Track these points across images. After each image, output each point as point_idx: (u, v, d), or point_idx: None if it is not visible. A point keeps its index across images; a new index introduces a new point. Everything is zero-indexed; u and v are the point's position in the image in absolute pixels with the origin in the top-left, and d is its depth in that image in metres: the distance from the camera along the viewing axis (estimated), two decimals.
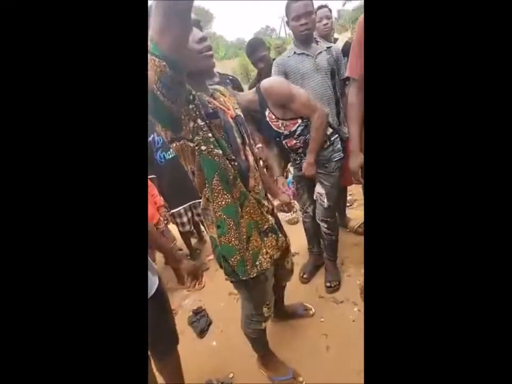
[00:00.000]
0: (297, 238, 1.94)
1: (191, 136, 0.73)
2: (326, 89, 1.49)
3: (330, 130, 1.39)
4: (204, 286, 1.95)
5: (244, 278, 0.89)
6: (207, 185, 0.80)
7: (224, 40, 20.98)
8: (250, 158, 0.86)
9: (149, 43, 0.56)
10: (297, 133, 1.35)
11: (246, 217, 0.85)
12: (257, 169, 0.90)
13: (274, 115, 1.29)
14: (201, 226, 2.35)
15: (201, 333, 1.59)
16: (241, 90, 2.24)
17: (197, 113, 0.72)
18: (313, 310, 1.50)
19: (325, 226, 1.57)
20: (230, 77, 2.17)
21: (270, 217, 0.94)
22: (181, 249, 2.29)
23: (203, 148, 0.75)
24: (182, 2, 0.53)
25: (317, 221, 1.58)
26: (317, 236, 1.72)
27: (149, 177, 1.75)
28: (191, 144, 0.74)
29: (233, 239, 0.86)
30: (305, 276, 1.77)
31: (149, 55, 0.57)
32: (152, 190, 1.69)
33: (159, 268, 1.58)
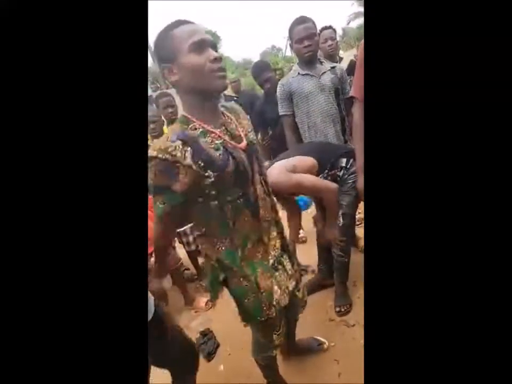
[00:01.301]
0: (305, 258, 1.90)
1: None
2: (330, 108, 1.50)
3: (344, 160, 1.36)
4: (211, 307, 1.91)
5: (262, 319, 0.87)
6: (206, 232, 0.81)
7: (231, 61, 21.57)
8: (258, 187, 0.83)
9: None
10: None
11: (248, 259, 0.82)
12: (268, 195, 0.88)
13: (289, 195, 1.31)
14: None
15: (209, 356, 1.54)
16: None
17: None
18: (327, 343, 1.41)
19: (337, 247, 1.52)
20: (235, 98, 2.21)
21: (276, 243, 0.91)
22: (188, 269, 2.27)
23: (200, 200, 0.75)
24: None
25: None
26: (328, 254, 1.67)
27: None
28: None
29: (241, 280, 0.83)
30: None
31: None
32: None
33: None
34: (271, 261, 0.88)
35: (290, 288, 0.92)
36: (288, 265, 0.94)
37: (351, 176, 1.37)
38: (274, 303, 0.86)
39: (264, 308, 0.85)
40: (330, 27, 2.10)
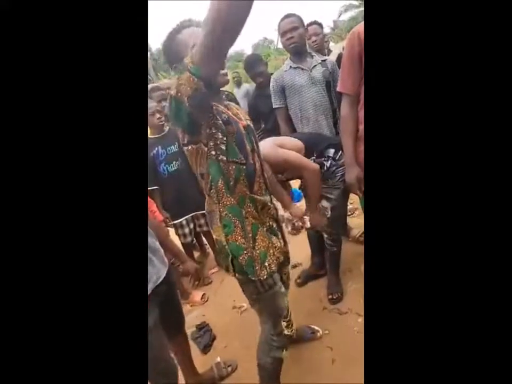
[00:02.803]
0: (300, 249, 1.93)
1: (206, 141, 0.82)
2: (322, 101, 1.52)
3: (332, 151, 1.39)
4: (207, 300, 1.94)
5: (254, 279, 0.91)
6: (213, 187, 0.87)
7: None
8: (257, 164, 0.93)
9: (190, 64, 0.68)
10: None
11: (250, 217, 0.90)
12: (264, 175, 0.96)
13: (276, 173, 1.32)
14: (203, 239, 2.35)
15: (205, 349, 1.57)
16: (237, 103, 2.29)
17: (213, 121, 0.81)
18: (320, 332, 1.44)
19: (328, 237, 1.56)
20: (226, 93, 2.21)
21: (271, 219, 0.97)
22: None
23: (213, 152, 0.83)
24: (229, 38, 0.62)
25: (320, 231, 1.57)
26: (320, 246, 1.71)
27: (151, 188, 1.79)
28: (205, 149, 0.83)
29: (239, 238, 0.89)
30: (299, 280, 1.81)
31: (187, 73, 0.70)
32: (152, 206, 1.69)
33: None
34: (265, 229, 0.94)
35: (281, 260, 0.98)
36: (282, 242, 1.00)
37: (340, 169, 1.40)
38: (266, 264, 0.91)
39: (257, 268, 0.90)
40: (315, 22, 2.12)
